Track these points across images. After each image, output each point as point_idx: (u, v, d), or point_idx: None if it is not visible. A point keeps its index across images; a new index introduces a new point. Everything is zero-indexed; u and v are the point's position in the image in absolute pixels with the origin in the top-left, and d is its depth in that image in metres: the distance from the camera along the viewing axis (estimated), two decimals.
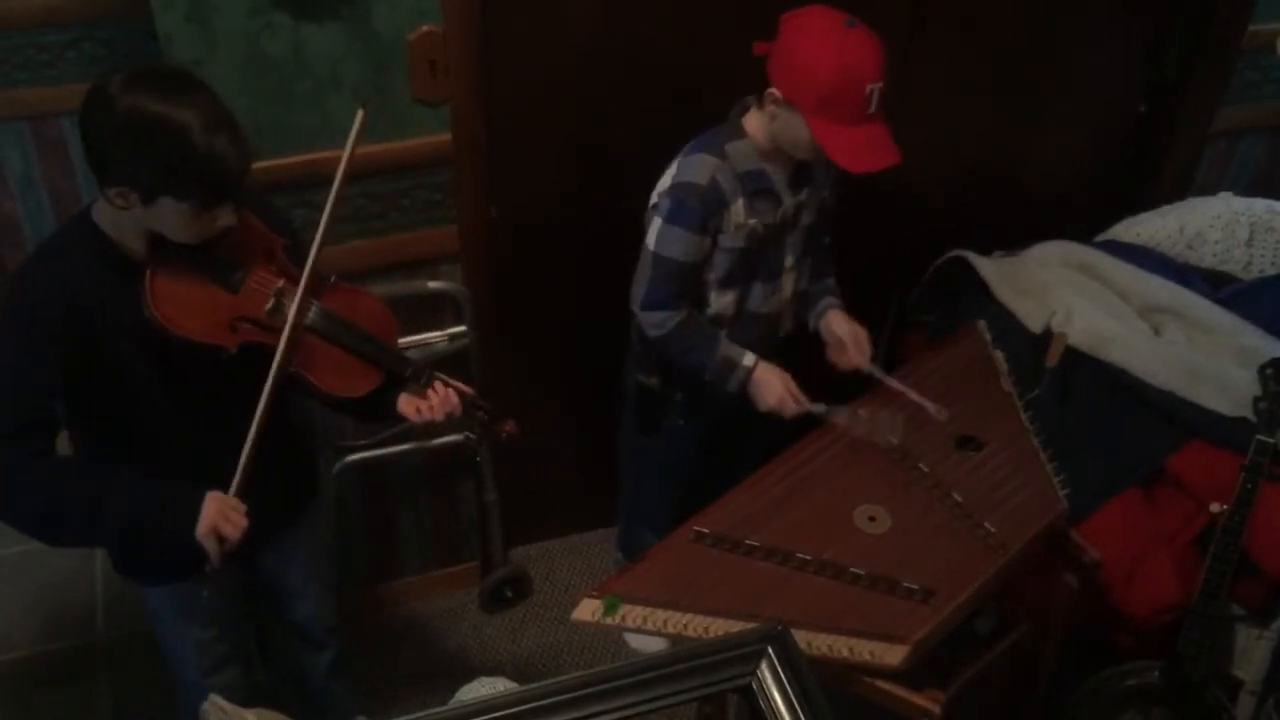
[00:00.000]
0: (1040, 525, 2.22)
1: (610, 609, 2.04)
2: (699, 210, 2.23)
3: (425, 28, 2.27)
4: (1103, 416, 2.59)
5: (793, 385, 2.35)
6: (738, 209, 2.27)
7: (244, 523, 1.82)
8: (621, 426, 2.70)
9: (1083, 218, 3.07)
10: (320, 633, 2.40)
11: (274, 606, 2.33)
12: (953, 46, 2.81)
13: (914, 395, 2.38)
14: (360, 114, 1.88)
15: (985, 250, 2.92)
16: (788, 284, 2.43)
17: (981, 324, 2.70)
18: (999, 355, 2.60)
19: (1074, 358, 2.61)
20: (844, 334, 2.42)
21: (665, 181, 2.30)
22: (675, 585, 2.07)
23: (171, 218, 1.72)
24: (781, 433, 2.39)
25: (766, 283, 2.40)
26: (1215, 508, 2.42)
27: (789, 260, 2.40)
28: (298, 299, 1.85)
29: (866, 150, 2.13)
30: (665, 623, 2.03)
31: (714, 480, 2.49)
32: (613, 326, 2.55)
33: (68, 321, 1.75)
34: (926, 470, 2.30)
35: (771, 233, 2.33)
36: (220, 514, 1.81)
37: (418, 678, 2.89)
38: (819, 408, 2.36)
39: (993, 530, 2.18)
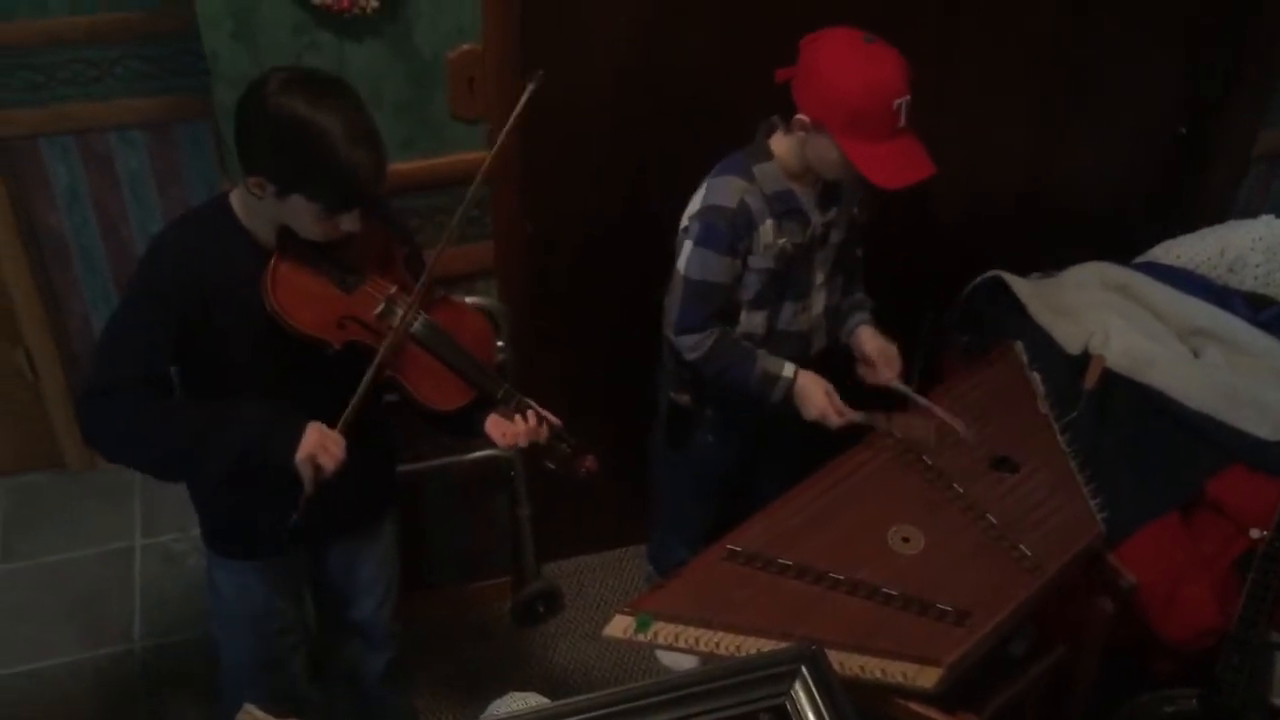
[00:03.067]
0: (1077, 548, 2.20)
1: (642, 626, 2.04)
2: (728, 233, 2.24)
3: (464, 46, 2.30)
4: (1141, 439, 2.56)
5: (835, 395, 2.35)
6: (766, 230, 2.27)
7: (341, 455, 1.88)
8: (653, 442, 2.70)
9: (1121, 239, 3.05)
10: (381, 635, 2.44)
11: (337, 604, 2.37)
12: (988, 64, 2.80)
13: (941, 413, 2.37)
14: (530, 87, 1.92)
15: (1022, 270, 2.90)
16: (818, 301, 2.43)
17: (1018, 345, 2.69)
18: (1036, 376, 2.59)
19: (1112, 380, 2.59)
20: (873, 351, 2.42)
21: (694, 205, 2.31)
22: (708, 603, 2.07)
23: (301, 215, 1.81)
24: (813, 450, 2.39)
25: (796, 301, 2.40)
26: (1255, 533, 2.39)
27: (819, 278, 2.40)
28: (407, 307, 1.91)
29: (899, 165, 2.13)
30: (698, 640, 2.03)
31: (746, 497, 2.50)
32: (645, 343, 2.56)
33: (189, 291, 1.85)
34: (961, 491, 2.29)
35: (800, 252, 2.33)
36: (319, 443, 1.87)
37: (448, 690, 2.90)
38: (861, 416, 2.35)
39: (1028, 553, 2.17)
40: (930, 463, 2.34)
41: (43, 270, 3.05)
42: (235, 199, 1.92)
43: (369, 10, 2.19)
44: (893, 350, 2.43)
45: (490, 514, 2.97)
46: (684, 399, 2.53)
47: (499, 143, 1.97)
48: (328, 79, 1.82)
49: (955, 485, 2.30)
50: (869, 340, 2.44)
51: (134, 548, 3.15)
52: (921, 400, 2.40)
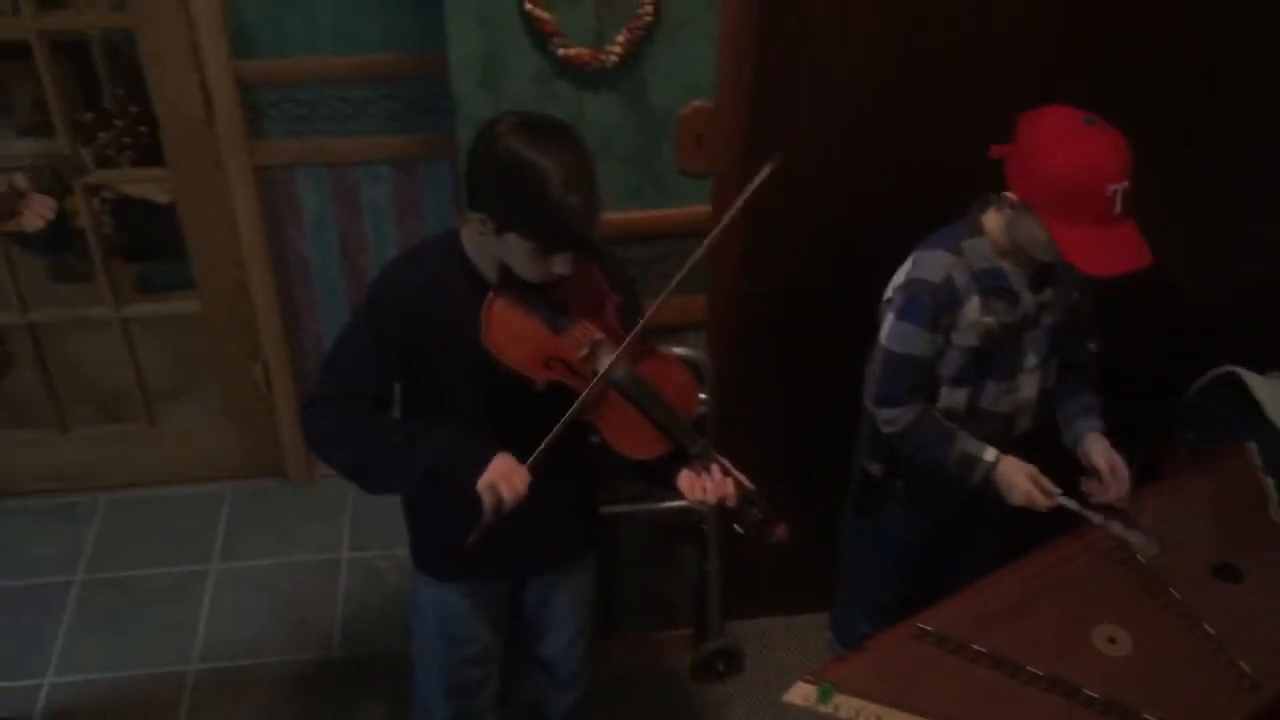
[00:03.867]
0: None
1: (824, 696, 2.00)
2: (931, 307, 2.20)
3: (696, 104, 2.35)
4: None
5: (1041, 478, 2.25)
6: (972, 307, 2.22)
7: (523, 490, 1.92)
8: (844, 510, 2.66)
9: None
10: (568, 673, 2.48)
11: (529, 638, 2.42)
12: (1243, 146, 2.66)
13: (1118, 530, 2.24)
14: (767, 168, 1.94)
15: (1260, 368, 2.73)
16: (1027, 385, 2.34)
17: (1251, 446, 2.52)
18: (1269, 482, 2.42)
19: None
20: (1102, 464, 2.28)
21: (900, 277, 2.27)
22: (894, 681, 2.01)
23: (516, 253, 1.88)
24: (1014, 534, 2.30)
25: (1001, 381, 2.32)
26: None
27: (1030, 360, 2.32)
28: (612, 355, 1.94)
29: (1108, 252, 2.03)
30: (880, 719, 1.97)
31: (937, 576, 2.42)
32: (846, 408, 2.53)
33: (411, 317, 1.97)
34: (1178, 596, 2.15)
35: (1009, 332, 2.25)
36: (504, 473, 1.91)
37: None
38: (1071, 503, 2.25)
39: (1247, 669, 2.02)
40: (1144, 562, 2.21)
41: (286, 290, 3.26)
42: (465, 234, 2.01)
43: (609, 64, 2.27)
44: (1124, 468, 2.28)
45: (679, 564, 2.98)
46: (876, 469, 2.49)
47: (726, 220, 1.95)
48: (555, 124, 1.89)
49: (1170, 589, 2.17)
50: (1098, 452, 2.30)
51: (340, 560, 3.31)
52: (1096, 518, 2.26)
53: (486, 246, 1.94)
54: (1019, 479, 2.24)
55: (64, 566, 3.25)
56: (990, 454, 2.27)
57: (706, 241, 1.98)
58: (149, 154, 3.17)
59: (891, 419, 2.30)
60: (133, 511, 3.44)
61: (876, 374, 2.30)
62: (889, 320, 2.27)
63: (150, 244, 4.11)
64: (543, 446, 1.92)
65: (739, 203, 1.95)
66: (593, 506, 2.38)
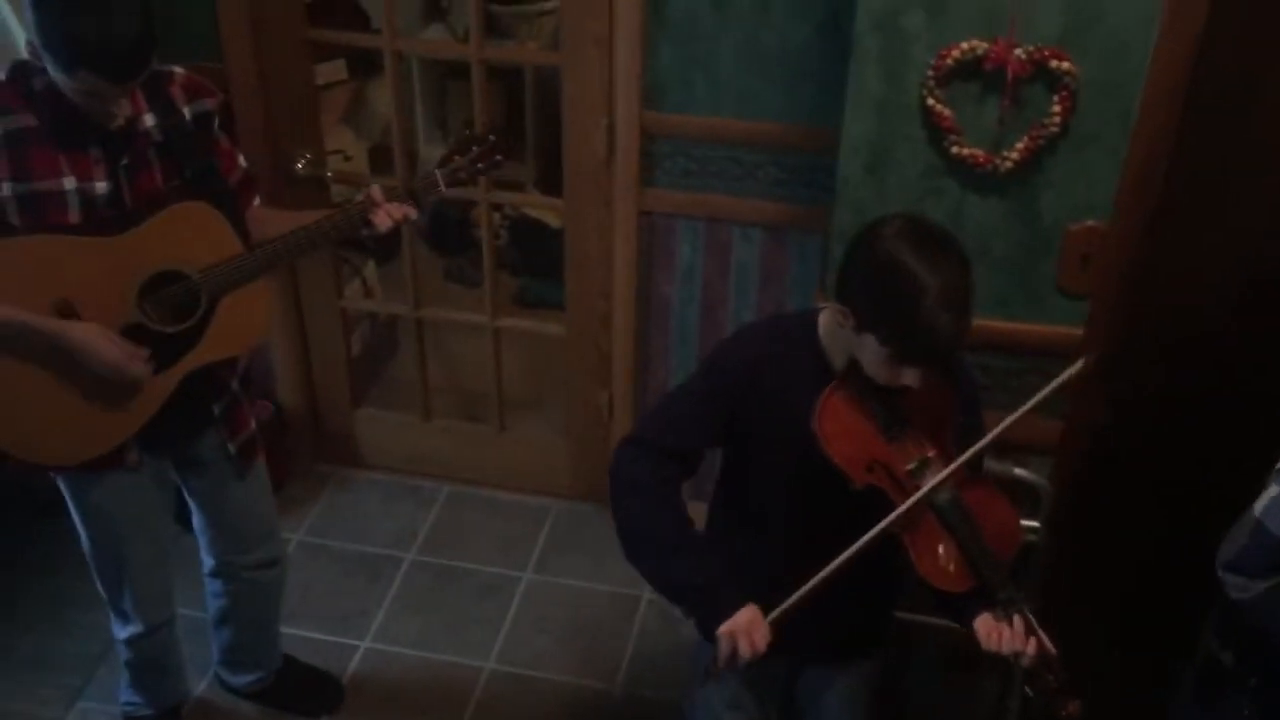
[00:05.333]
0: None
1: None
2: None
3: (1089, 223, 2.24)
4: None
5: None
6: None
7: (760, 648, 1.89)
8: (1177, 692, 2.41)
9: None
10: None
11: None
12: None
13: None
14: (1076, 366, 1.89)
15: None
16: None
17: None
18: None
19: None
20: None
21: None
22: None
23: (869, 353, 1.86)
24: None
25: None
26: None
27: None
28: (939, 476, 1.89)
29: None
30: None
31: None
32: (1196, 577, 2.30)
33: (747, 387, 1.99)
34: None
35: None
36: (745, 629, 1.89)
37: None
38: None
39: None
40: None
41: (644, 329, 3.38)
42: (823, 318, 2.01)
43: (1002, 169, 2.21)
44: None
45: (977, 691, 2.82)
46: (1226, 656, 2.24)
47: (1018, 414, 1.88)
48: (943, 235, 1.85)
49: None
50: None
51: (641, 598, 3.38)
52: None
53: (841, 337, 1.93)
54: None
55: (400, 543, 3.53)
56: None
57: (993, 433, 1.90)
58: (550, 183, 3.39)
59: (1242, 585, 2.07)
60: (468, 505, 3.68)
61: (1239, 539, 2.08)
62: (1272, 491, 2.05)
63: (535, 262, 4.43)
64: (797, 596, 1.87)
65: (1038, 398, 1.87)
66: (887, 607, 2.31)
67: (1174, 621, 2.42)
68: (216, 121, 2.31)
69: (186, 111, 2.24)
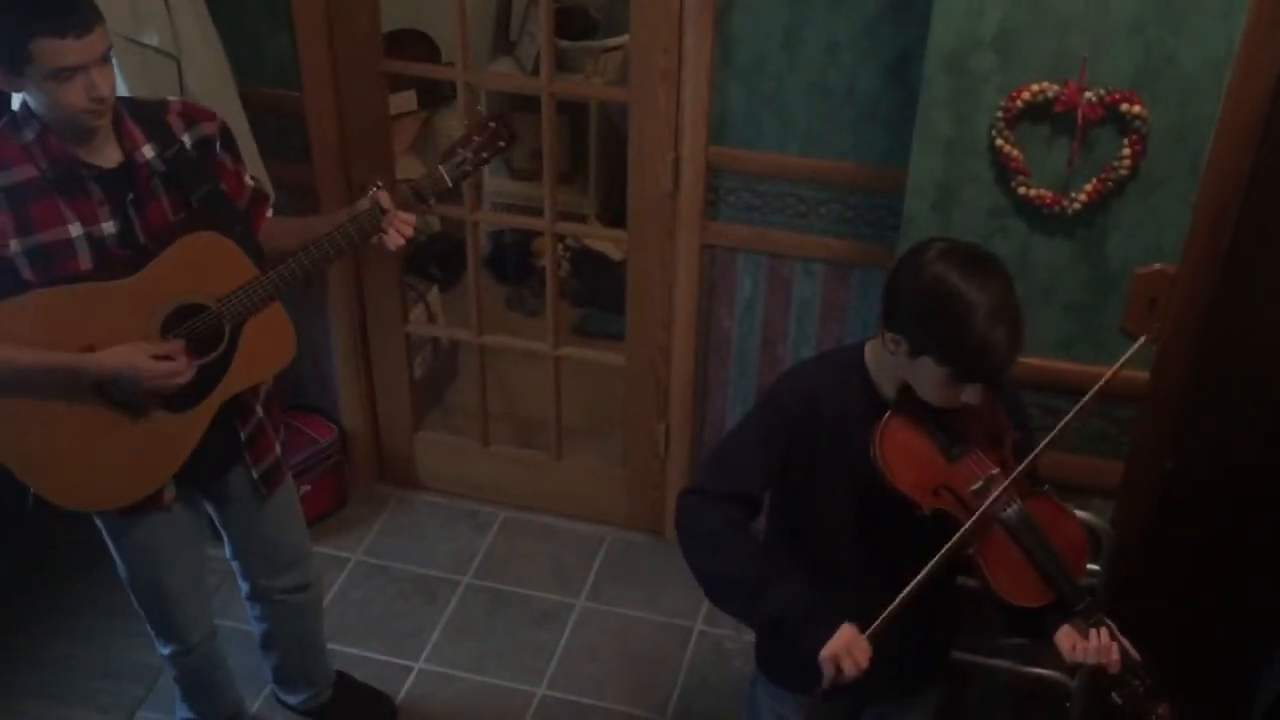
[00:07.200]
0: None
1: None
2: None
3: (1157, 266, 2.23)
4: None
5: None
6: None
7: (864, 665, 1.89)
8: None
9: None
10: None
11: None
12: None
13: None
14: (1139, 342, 1.94)
15: None
16: None
17: None
18: None
19: None
20: None
21: None
22: None
23: (926, 377, 1.88)
24: None
25: None
26: None
27: None
28: (1002, 489, 1.90)
29: None
30: None
31: None
32: (1262, 626, 2.27)
33: (803, 423, 2.00)
34: None
35: None
36: (846, 647, 1.89)
37: None
38: None
39: None
40: None
41: (703, 362, 3.40)
42: (869, 349, 2.03)
43: (1070, 210, 2.21)
44: None
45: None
46: None
47: (1085, 399, 1.92)
48: (984, 255, 1.88)
49: None
50: None
51: (693, 630, 3.38)
52: None
53: (891, 365, 1.94)
54: None
55: (457, 566, 3.56)
56: None
57: (1056, 429, 1.92)
58: (612, 215, 3.42)
59: None
60: (524, 531, 3.70)
61: None
62: None
63: (596, 293, 4.48)
64: (890, 609, 1.88)
65: (1099, 384, 1.93)
66: (947, 644, 2.30)
67: (1235, 669, 2.39)
68: (218, 144, 2.30)
69: (186, 139, 2.24)
